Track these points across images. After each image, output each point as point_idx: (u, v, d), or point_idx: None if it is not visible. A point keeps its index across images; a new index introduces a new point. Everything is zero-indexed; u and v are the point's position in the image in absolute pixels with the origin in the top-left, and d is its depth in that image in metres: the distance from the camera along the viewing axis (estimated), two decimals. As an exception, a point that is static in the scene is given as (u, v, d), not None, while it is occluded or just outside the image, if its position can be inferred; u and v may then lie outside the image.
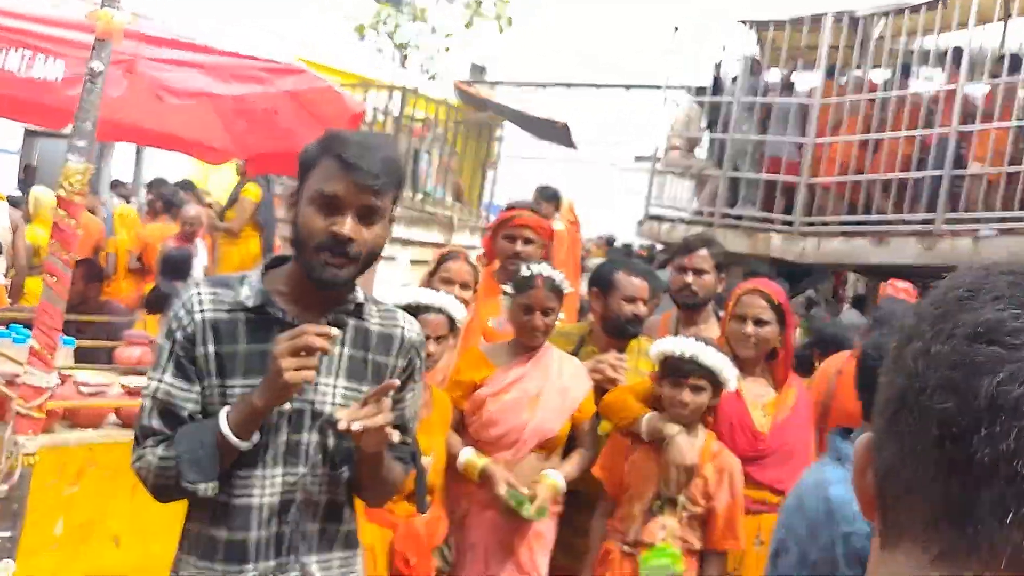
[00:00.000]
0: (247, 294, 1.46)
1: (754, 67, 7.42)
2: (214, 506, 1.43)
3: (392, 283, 4.16)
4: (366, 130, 4.75)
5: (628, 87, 12.24)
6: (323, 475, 1.48)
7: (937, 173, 5.98)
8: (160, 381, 1.44)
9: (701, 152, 7.92)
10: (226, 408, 1.40)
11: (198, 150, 3.46)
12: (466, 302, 2.64)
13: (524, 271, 2.52)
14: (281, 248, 6.09)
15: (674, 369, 2.33)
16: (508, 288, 2.53)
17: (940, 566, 0.45)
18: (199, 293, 1.46)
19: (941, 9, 6.26)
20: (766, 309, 2.51)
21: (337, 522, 1.53)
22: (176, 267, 5.19)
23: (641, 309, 2.71)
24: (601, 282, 2.75)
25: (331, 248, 1.40)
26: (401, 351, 1.55)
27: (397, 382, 1.43)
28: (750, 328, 2.51)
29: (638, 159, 14.46)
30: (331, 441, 1.47)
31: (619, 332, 2.73)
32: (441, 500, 2.40)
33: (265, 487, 1.44)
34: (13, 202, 5.97)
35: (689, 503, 2.31)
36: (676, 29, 7.74)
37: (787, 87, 7.27)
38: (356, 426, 1.35)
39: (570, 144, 10.36)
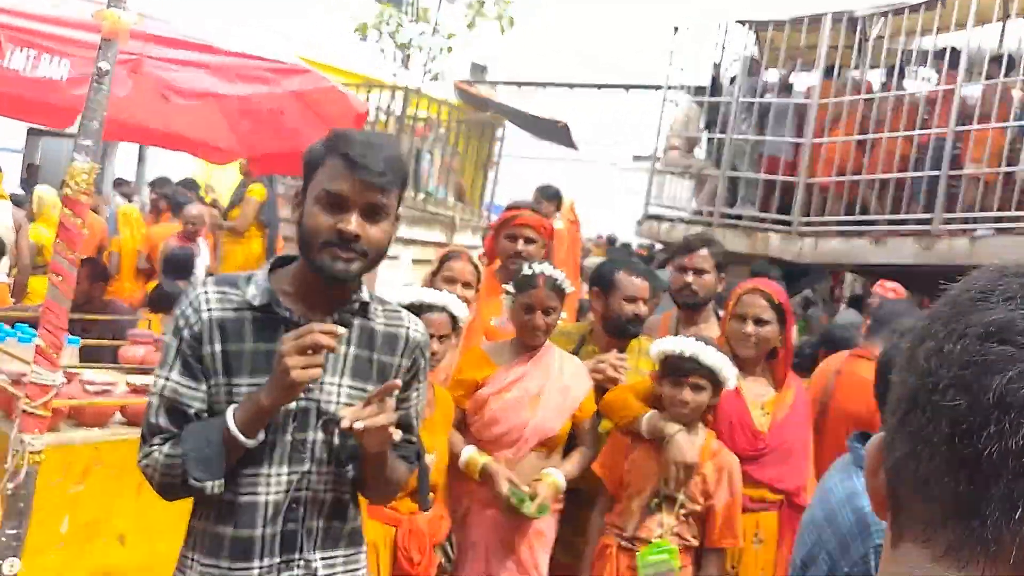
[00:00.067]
0: (253, 293, 1.47)
1: (753, 67, 7.43)
2: (220, 504, 1.44)
3: (394, 283, 4.17)
4: (369, 130, 4.76)
5: (628, 87, 12.25)
6: (328, 473, 1.49)
7: (934, 173, 6.01)
8: (167, 379, 1.45)
9: (700, 152, 7.94)
10: (233, 406, 1.41)
11: (203, 150, 3.47)
12: (468, 301, 2.66)
13: (526, 270, 2.53)
14: (284, 247, 6.11)
15: (674, 368, 2.35)
16: (510, 287, 2.54)
17: (948, 562, 0.45)
18: (206, 292, 1.47)
19: (940, 9, 6.28)
20: (766, 309, 2.53)
21: (342, 519, 1.54)
22: (179, 266, 5.21)
23: (642, 309, 2.73)
24: (602, 282, 2.76)
25: (338, 245, 1.41)
26: (406, 351, 1.56)
27: (399, 382, 1.44)
28: (750, 327, 2.52)
29: (637, 159, 14.47)
30: (336, 440, 1.48)
31: (620, 332, 2.74)
32: (443, 498, 2.42)
33: (271, 485, 1.45)
34: (16, 201, 5.98)
35: (689, 501, 2.33)
36: (676, 30, 7.75)
37: (785, 87, 7.28)
38: (359, 425, 1.36)
39: (571, 144, 10.36)
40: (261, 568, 1.45)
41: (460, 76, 10.67)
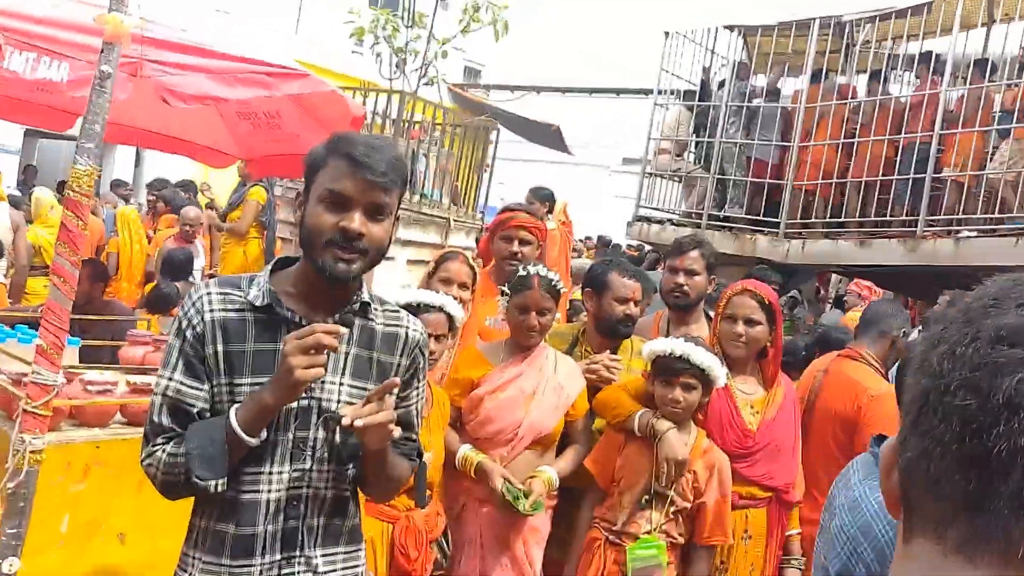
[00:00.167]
0: (255, 294, 1.49)
1: (741, 71, 7.51)
2: (221, 502, 1.46)
3: (390, 283, 4.20)
4: (366, 133, 4.79)
5: (618, 92, 12.30)
6: (329, 471, 1.51)
7: (918, 176, 6.10)
8: (170, 379, 1.46)
9: (690, 155, 8.01)
10: (236, 405, 1.43)
11: (202, 154, 3.47)
12: (464, 302, 2.69)
13: (521, 271, 2.57)
14: (281, 249, 6.13)
15: (665, 368, 2.39)
16: (505, 288, 2.58)
17: (958, 558, 0.46)
18: (209, 293, 1.49)
19: (926, 15, 6.37)
20: (756, 309, 2.57)
21: (342, 517, 1.56)
22: (177, 267, 5.22)
23: (633, 309, 2.76)
24: (594, 283, 2.80)
25: (340, 243, 1.43)
26: (405, 350, 1.59)
27: (399, 381, 1.46)
28: (741, 328, 2.57)
29: (627, 161, 14.54)
30: (337, 438, 1.50)
31: (612, 332, 2.78)
32: (439, 495, 2.45)
33: (272, 483, 1.47)
34: (14, 202, 5.98)
35: (679, 498, 2.38)
36: (667, 35, 7.81)
37: (773, 92, 7.36)
38: (359, 423, 1.39)
39: (563, 148, 10.41)
40: (262, 565, 1.47)
41: (453, 80, 10.70)
